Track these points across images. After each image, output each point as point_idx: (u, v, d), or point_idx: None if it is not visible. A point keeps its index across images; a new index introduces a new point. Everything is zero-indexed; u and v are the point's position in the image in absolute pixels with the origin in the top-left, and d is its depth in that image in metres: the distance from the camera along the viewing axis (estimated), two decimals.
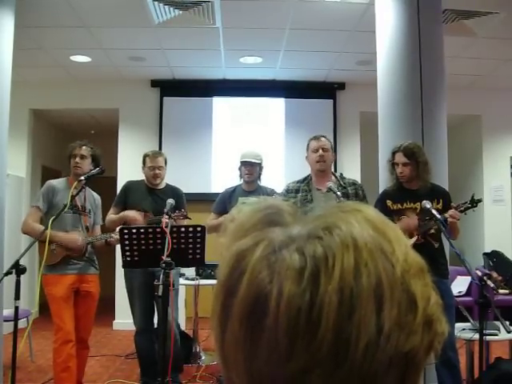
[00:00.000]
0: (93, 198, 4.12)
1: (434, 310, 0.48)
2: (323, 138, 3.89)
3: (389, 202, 3.67)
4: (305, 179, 3.90)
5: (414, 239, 3.48)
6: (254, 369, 0.46)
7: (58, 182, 3.96)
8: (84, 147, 3.96)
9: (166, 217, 3.54)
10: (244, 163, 4.31)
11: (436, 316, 0.48)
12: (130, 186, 4.43)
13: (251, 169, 4.30)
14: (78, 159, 3.92)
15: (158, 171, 4.31)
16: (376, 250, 0.47)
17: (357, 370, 0.44)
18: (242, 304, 0.47)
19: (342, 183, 3.80)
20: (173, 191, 4.35)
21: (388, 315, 0.44)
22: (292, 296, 0.44)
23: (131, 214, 4.16)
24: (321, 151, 3.79)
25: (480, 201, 3.49)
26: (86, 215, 3.99)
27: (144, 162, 4.38)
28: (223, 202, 4.35)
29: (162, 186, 4.39)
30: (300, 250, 0.46)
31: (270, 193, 4.30)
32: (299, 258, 0.46)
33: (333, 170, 4.19)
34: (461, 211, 3.45)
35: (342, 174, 3.96)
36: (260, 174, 4.41)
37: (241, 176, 4.38)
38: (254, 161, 4.29)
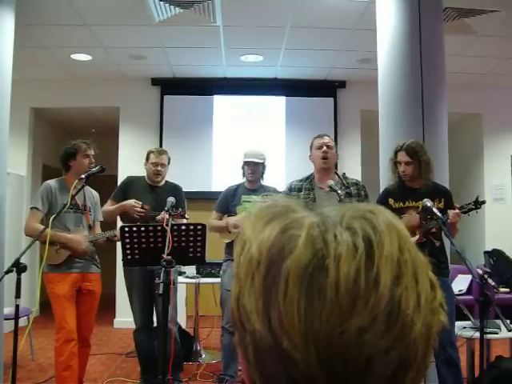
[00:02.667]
0: (92, 195, 4.12)
1: (442, 298, 0.53)
2: (327, 137, 3.94)
3: (391, 201, 3.67)
4: (307, 178, 3.90)
5: (415, 238, 3.48)
6: (311, 329, 0.47)
7: (55, 182, 3.95)
8: (92, 147, 3.97)
9: (164, 214, 3.54)
10: (247, 163, 4.31)
11: (442, 303, 0.53)
12: (130, 182, 4.42)
13: (254, 168, 4.30)
14: (92, 159, 3.93)
15: (160, 168, 4.31)
16: (406, 233, 0.53)
17: (405, 333, 0.48)
18: (299, 261, 0.48)
19: (344, 183, 3.80)
20: (173, 188, 4.34)
21: (421, 286, 0.50)
22: (350, 258, 0.48)
23: (128, 202, 4.15)
24: (325, 148, 3.83)
25: (484, 202, 3.49)
26: (87, 214, 3.99)
27: (147, 158, 4.38)
28: (225, 201, 4.34)
29: (162, 183, 4.40)
30: (348, 226, 0.50)
31: (273, 192, 4.30)
32: (350, 232, 0.50)
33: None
34: (464, 212, 3.45)
35: (344, 174, 3.95)
36: (263, 173, 4.41)
37: (244, 174, 4.38)
38: (257, 160, 4.29)
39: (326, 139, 3.90)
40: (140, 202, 4.14)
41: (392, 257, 0.49)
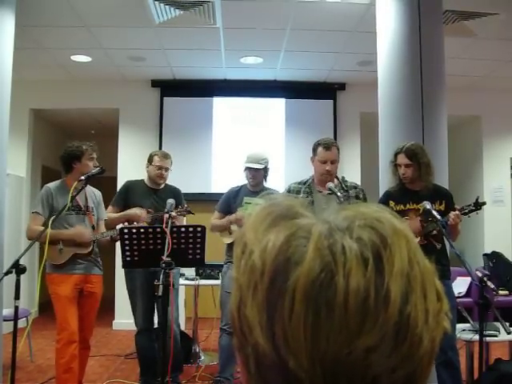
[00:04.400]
0: (94, 194, 4.11)
1: (447, 307, 0.51)
2: (334, 149, 3.74)
3: (391, 203, 3.66)
4: (306, 181, 3.88)
5: (416, 240, 3.48)
6: (318, 349, 0.45)
7: (55, 185, 3.94)
8: (95, 150, 3.96)
9: (167, 215, 3.54)
10: (248, 168, 4.32)
11: (448, 313, 0.52)
12: (130, 186, 4.43)
13: (255, 174, 4.31)
14: (96, 162, 3.93)
15: (164, 172, 4.32)
16: (414, 241, 0.51)
17: (413, 352, 0.47)
18: (306, 276, 0.46)
19: (343, 186, 3.79)
20: (172, 191, 4.36)
21: (429, 301, 0.48)
22: (360, 275, 0.46)
23: (133, 211, 4.14)
24: (328, 165, 3.69)
25: (484, 204, 3.49)
26: (90, 214, 3.98)
27: (150, 161, 4.37)
28: (228, 202, 4.35)
29: (162, 186, 4.40)
30: (356, 237, 0.48)
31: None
32: (359, 244, 0.48)
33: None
34: (464, 214, 3.45)
35: (343, 177, 3.92)
36: (266, 176, 4.41)
37: (247, 178, 4.39)
38: (257, 167, 4.29)
39: (332, 152, 3.72)
40: (143, 210, 4.14)
41: (402, 273, 0.47)
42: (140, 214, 4.10)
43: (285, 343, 0.46)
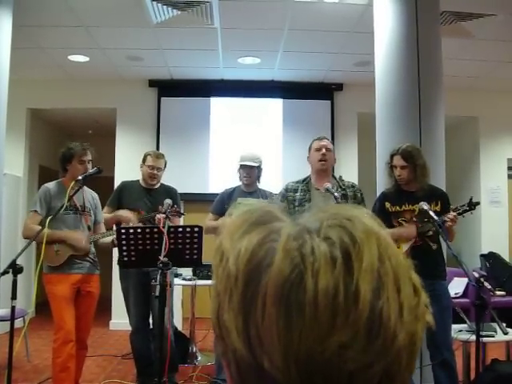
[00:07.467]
0: (91, 196, 4.11)
1: (426, 300, 0.51)
2: (326, 140, 3.90)
3: (387, 204, 3.67)
4: (304, 180, 3.89)
5: (412, 241, 3.49)
6: (291, 348, 0.46)
7: (53, 185, 3.94)
8: (89, 152, 3.94)
9: (163, 215, 3.54)
10: (242, 166, 4.32)
11: (427, 305, 0.51)
12: (124, 187, 4.44)
13: (250, 172, 4.31)
14: (88, 165, 3.91)
15: (156, 172, 4.33)
16: (386, 239, 0.51)
17: (387, 346, 0.47)
18: (276, 277, 0.47)
19: (341, 185, 3.80)
20: (167, 191, 4.36)
21: (404, 295, 0.48)
22: (329, 273, 0.46)
23: (124, 213, 4.16)
24: (324, 150, 3.79)
25: (478, 204, 3.49)
26: (86, 215, 3.98)
27: (144, 160, 4.38)
28: (222, 203, 4.35)
29: (157, 186, 4.41)
30: (325, 236, 0.49)
31: (269, 195, 4.31)
32: (328, 243, 0.48)
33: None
34: (459, 214, 3.45)
35: (341, 177, 3.96)
36: (259, 176, 4.41)
37: (240, 177, 4.39)
38: (252, 164, 4.29)
39: (325, 142, 3.87)
40: (131, 213, 4.14)
41: (372, 268, 0.47)
42: (129, 216, 4.11)
43: (259, 344, 0.47)
